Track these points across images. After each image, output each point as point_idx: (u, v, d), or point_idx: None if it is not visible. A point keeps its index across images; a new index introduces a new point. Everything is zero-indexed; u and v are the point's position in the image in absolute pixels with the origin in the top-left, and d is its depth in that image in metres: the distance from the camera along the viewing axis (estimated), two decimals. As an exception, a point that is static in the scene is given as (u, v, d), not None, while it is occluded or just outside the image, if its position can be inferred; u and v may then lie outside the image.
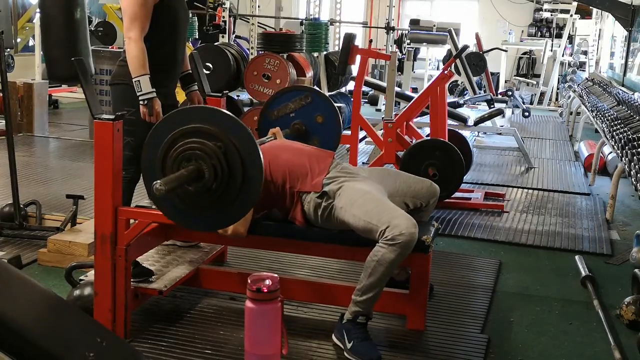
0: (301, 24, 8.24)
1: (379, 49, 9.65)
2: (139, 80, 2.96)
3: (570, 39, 13.27)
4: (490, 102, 7.90)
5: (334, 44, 10.95)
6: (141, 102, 2.97)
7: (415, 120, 5.56)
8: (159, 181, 2.33)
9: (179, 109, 2.58)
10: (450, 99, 7.85)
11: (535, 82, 13.14)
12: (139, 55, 2.96)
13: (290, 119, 3.53)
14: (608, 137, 5.36)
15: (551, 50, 12.99)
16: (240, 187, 2.46)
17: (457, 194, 4.92)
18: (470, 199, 5.21)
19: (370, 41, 9.10)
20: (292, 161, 2.93)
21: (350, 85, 8.34)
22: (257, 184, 2.47)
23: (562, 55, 12.74)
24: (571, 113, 9.56)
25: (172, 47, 3.18)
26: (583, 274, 3.71)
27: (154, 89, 2.99)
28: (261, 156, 2.47)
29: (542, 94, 12.62)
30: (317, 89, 4.03)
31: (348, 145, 5.79)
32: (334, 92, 8.38)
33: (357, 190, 2.81)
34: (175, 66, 3.25)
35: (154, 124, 2.70)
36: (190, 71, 3.38)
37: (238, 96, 8.26)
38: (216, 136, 2.43)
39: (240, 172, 2.45)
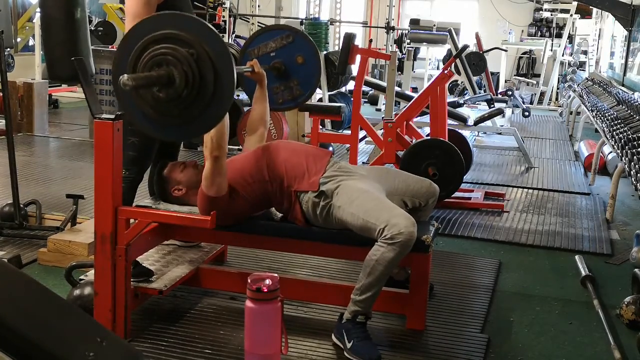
0: (301, 23, 8.24)
1: (379, 49, 9.66)
2: None
3: (570, 38, 13.27)
4: (490, 102, 7.91)
5: (334, 44, 10.95)
6: None
7: (415, 119, 5.56)
8: (126, 75, 2.26)
9: (154, 15, 2.51)
10: (450, 98, 7.85)
11: (535, 82, 13.13)
12: None
13: (271, 58, 3.47)
14: (608, 136, 5.36)
15: (551, 50, 12.99)
16: (211, 95, 2.39)
17: (457, 194, 4.92)
18: (470, 198, 5.21)
19: (370, 41, 9.11)
20: (289, 160, 2.92)
21: (350, 85, 8.33)
22: (229, 93, 2.40)
23: (562, 55, 12.74)
24: (571, 113, 9.56)
25: None
26: (583, 273, 3.71)
27: None
28: (234, 65, 2.41)
29: (542, 93, 12.62)
30: (299, 29, 3.94)
31: (348, 145, 5.79)
32: (334, 91, 8.38)
33: (355, 189, 2.81)
34: None
35: None
36: None
37: (238, 96, 8.24)
38: (189, 43, 2.37)
39: (211, 81, 2.37)
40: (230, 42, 8.04)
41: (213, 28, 2.45)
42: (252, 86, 3.35)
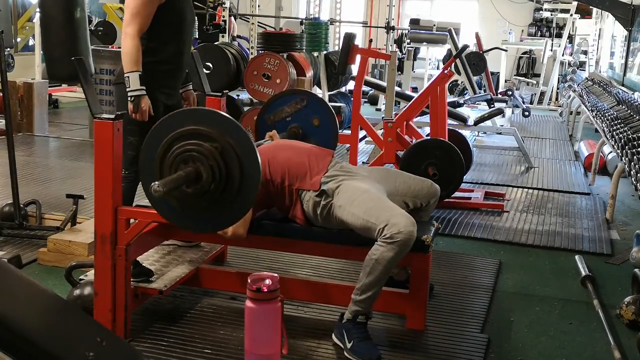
0: (301, 23, 8.24)
1: (379, 49, 9.65)
2: (128, 77, 2.96)
3: (570, 38, 13.27)
4: (490, 102, 7.91)
5: (334, 44, 10.95)
6: (129, 99, 2.97)
7: (415, 119, 5.56)
8: (156, 182, 2.32)
9: (173, 112, 2.58)
10: (450, 98, 7.85)
11: (535, 82, 13.14)
12: (132, 52, 2.96)
13: (287, 123, 3.54)
14: (608, 136, 5.36)
15: (551, 50, 12.99)
16: (238, 187, 2.46)
17: (457, 194, 4.91)
18: (470, 198, 5.21)
19: (370, 41, 9.08)
20: (291, 159, 2.93)
21: (350, 85, 8.34)
22: (255, 183, 2.46)
23: (562, 55, 12.75)
24: (571, 113, 9.56)
25: (177, 47, 3.17)
26: (583, 273, 3.71)
27: (143, 87, 2.97)
28: (258, 155, 2.47)
29: (542, 93, 12.62)
30: (311, 92, 4.02)
31: (348, 145, 5.79)
32: (334, 91, 8.38)
33: (356, 188, 2.81)
34: (179, 67, 3.23)
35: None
36: (187, 70, 3.38)
37: (238, 96, 8.25)
38: (212, 137, 2.43)
39: (237, 172, 2.44)
40: (230, 41, 8.03)
41: (232, 118, 2.50)
42: None
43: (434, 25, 11.76)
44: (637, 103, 5.80)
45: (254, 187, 2.47)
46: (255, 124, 3.64)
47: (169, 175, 2.45)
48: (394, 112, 5.30)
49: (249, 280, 2.44)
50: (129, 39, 2.97)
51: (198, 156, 2.42)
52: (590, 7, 11.83)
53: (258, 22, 8.12)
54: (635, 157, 4.20)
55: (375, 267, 2.64)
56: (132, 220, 2.75)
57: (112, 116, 2.58)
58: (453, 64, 6.46)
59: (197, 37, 8.89)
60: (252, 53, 7.32)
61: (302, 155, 2.96)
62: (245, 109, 6.64)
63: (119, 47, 3.14)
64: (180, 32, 3.17)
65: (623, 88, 8.35)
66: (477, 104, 9.03)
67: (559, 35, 13.13)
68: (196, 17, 8.90)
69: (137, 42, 2.97)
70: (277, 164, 2.91)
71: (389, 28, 10.50)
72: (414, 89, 11.35)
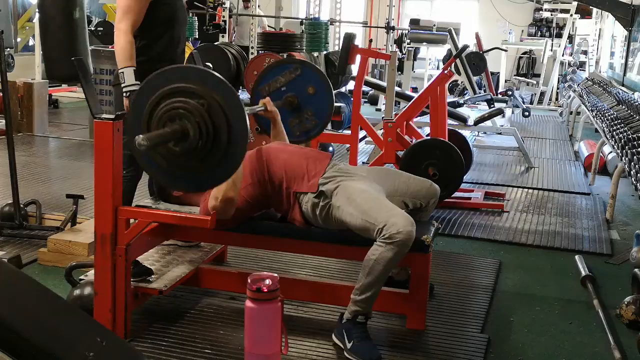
0: (301, 23, 8.24)
1: (379, 49, 9.66)
2: (123, 72, 2.95)
3: (570, 38, 13.27)
4: (490, 102, 7.91)
5: (334, 44, 10.95)
6: (124, 94, 2.96)
7: (415, 119, 5.56)
8: (141, 136, 2.27)
9: (159, 71, 2.53)
10: (450, 98, 7.85)
11: (535, 82, 13.13)
12: (126, 47, 2.95)
13: (282, 93, 3.49)
14: (608, 136, 5.36)
15: (551, 50, 12.99)
16: (226, 145, 2.41)
17: (457, 194, 4.92)
18: (470, 198, 5.21)
19: (370, 41, 9.11)
20: (289, 162, 2.93)
21: (350, 85, 8.33)
22: (243, 138, 2.42)
23: (562, 55, 12.74)
24: (571, 113, 9.56)
25: (169, 45, 3.16)
26: (583, 273, 3.71)
27: (138, 82, 2.97)
28: (245, 110, 2.43)
29: (542, 93, 12.61)
30: (306, 60, 3.98)
31: (348, 145, 5.79)
32: (334, 91, 8.37)
33: (354, 189, 2.81)
34: (173, 64, 3.23)
35: None
36: None
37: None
38: (198, 94, 2.39)
39: (225, 129, 2.39)
40: (229, 42, 8.03)
41: (218, 75, 2.47)
42: (267, 124, 3.42)
43: (434, 25, 11.76)
44: (637, 103, 5.80)
45: (242, 144, 2.42)
46: (250, 94, 3.61)
47: None
48: (394, 112, 5.29)
49: (249, 280, 2.44)
50: (122, 35, 2.96)
51: (184, 113, 2.38)
52: (590, 7, 11.83)
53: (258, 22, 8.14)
54: (635, 157, 4.20)
55: (375, 267, 2.64)
56: (132, 221, 2.75)
57: (112, 116, 2.58)
58: (453, 64, 6.46)
59: (197, 37, 8.91)
60: (252, 53, 7.32)
61: (300, 157, 2.96)
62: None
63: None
64: (171, 29, 3.15)
65: (623, 88, 8.35)
66: (477, 104, 9.03)
67: (559, 36, 13.13)
68: (195, 17, 8.94)
69: (131, 37, 2.97)
70: (275, 166, 2.91)
71: (389, 28, 10.49)
72: (414, 89, 11.35)
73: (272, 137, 3.34)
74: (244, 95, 8.08)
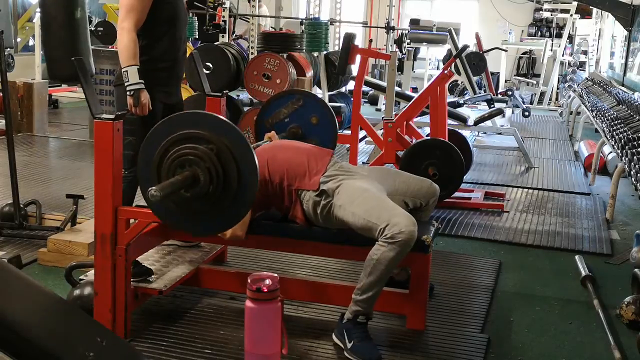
0: (301, 23, 8.23)
1: (379, 49, 9.66)
2: (127, 71, 2.96)
3: (570, 38, 13.26)
4: (490, 102, 7.90)
5: (334, 44, 10.95)
6: (128, 93, 2.96)
7: (415, 119, 5.56)
8: (153, 187, 2.32)
9: (167, 118, 2.58)
10: (450, 98, 7.84)
11: (535, 82, 13.13)
12: (130, 46, 2.96)
13: (286, 124, 3.53)
14: (608, 136, 5.36)
15: (551, 50, 12.99)
16: (236, 188, 2.45)
17: (457, 194, 4.92)
18: (470, 198, 5.21)
19: (370, 41, 9.10)
20: (290, 160, 2.93)
21: (350, 85, 8.34)
22: (253, 182, 2.46)
23: (562, 55, 12.74)
24: (571, 113, 9.56)
25: (171, 44, 3.17)
26: (583, 273, 3.71)
27: (142, 81, 2.97)
28: (254, 154, 2.46)
29: (542, 93, 12.61)
30: (307, 90, 4.01)
31: (348, 145, 5.79)
32: (334, 91, 8.37)
33: (356, 188, 2.81)
34: (175, 64, 3.23)
35: (155, 123, 2.69)
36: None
37: (238, 96, 8.26)
38: (207, 139, 2.43)
39: (235, 173, 2.44)
40: (230, 42, 8.03)
41: (226, 119, 2.50)
42: None
43: (434, 25, 11.76)
44: (637, 103, 5.80)
45: (252, 186, 2.47)
46: (255, 128, 3.64)
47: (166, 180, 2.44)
48: (394, 112, 5.30)
49: (248, 280, 2.44)
50: (126, 34, 2.97)
51: (194, 159, 2.42)
52: (590, 7, 11.84)
53: (258, 23, 8.14)
54: (635, 157, 4.20)
55: (376, 267, 2.64)
56: (132, 220, 2.75)
57: (112, 116, 2.58)
58: (453, 64, 6.46)
59: (197, 37, 8.91)
60: (252, 53, 7.32)
61: (301, 155, 2.96)
62: (245, 109, 6.64)
63: (119, 47, 3.13)
64: (173, 28, 3.16)
65: (623, 88, 8.35)
66: (477, 104, 9.03)
67: (559, 36, 13.13)
68: (195, 17, 8.93)
69: (134, 36, 2.97)
70: (276, 164, 2.90)
71: (389, 28, 10.50)
72: (414, 89, 11.35)
73: None
74: (244, 95, 8.10)
